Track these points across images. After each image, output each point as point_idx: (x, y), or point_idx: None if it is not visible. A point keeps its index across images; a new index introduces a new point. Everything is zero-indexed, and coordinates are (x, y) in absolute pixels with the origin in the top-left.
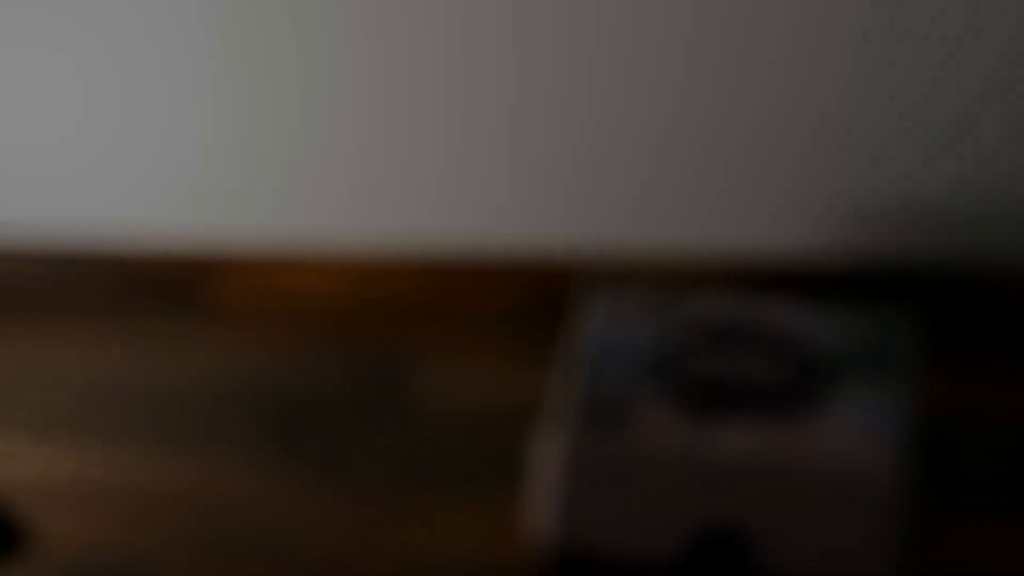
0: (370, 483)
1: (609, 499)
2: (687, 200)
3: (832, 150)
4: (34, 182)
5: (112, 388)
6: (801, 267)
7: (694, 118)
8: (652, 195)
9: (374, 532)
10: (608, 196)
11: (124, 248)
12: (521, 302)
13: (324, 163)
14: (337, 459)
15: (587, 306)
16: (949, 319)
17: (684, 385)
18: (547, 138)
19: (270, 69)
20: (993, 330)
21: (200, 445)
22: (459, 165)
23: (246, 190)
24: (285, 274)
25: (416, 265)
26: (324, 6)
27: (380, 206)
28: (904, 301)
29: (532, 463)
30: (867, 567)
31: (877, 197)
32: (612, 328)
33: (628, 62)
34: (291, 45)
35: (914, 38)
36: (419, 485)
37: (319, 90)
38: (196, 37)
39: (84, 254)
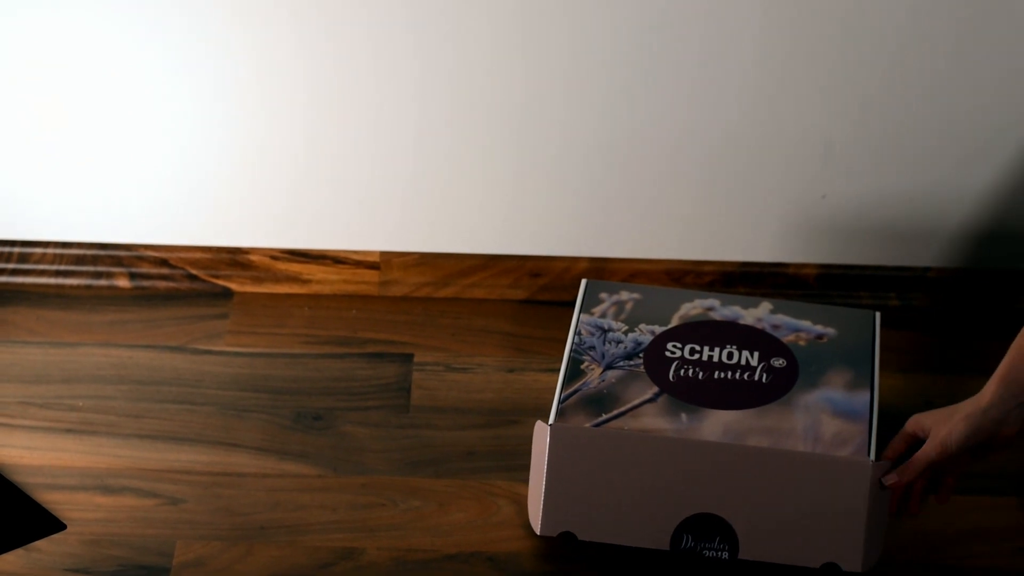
0: (382, 471)
1: (594, 485)
2: (678, 214)
3: (801, 171)
4: (54, 182)
5: (131, 378)
6: (777, 269)
7: (682, 146)
8: (643, 210)
9: (386, 519)
10: (605, 211)
11: (145, 240)
12: (525, 298)
13: (334, 172)
14: (351, 448)
15: (581, 301)
16: (904, 316)
17: (668, 376)
18: (553, 160)
19: (279, 76)
20: (943, 325)
21: (218, 433)
22: (461, 180)
23: (264, 187)
24: (301, 269)
25: (422, 260)
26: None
27: (386, 222)
28: (867, 299)
29: (533, 453)
30: (845, 552)
31: (844, 212)
32: (603, 322)
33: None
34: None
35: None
36: (429, 473)
37: (327, 97)
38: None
39: (106, 245)
